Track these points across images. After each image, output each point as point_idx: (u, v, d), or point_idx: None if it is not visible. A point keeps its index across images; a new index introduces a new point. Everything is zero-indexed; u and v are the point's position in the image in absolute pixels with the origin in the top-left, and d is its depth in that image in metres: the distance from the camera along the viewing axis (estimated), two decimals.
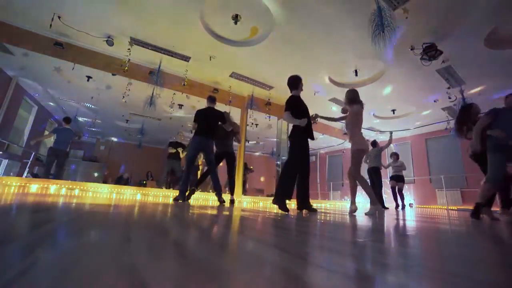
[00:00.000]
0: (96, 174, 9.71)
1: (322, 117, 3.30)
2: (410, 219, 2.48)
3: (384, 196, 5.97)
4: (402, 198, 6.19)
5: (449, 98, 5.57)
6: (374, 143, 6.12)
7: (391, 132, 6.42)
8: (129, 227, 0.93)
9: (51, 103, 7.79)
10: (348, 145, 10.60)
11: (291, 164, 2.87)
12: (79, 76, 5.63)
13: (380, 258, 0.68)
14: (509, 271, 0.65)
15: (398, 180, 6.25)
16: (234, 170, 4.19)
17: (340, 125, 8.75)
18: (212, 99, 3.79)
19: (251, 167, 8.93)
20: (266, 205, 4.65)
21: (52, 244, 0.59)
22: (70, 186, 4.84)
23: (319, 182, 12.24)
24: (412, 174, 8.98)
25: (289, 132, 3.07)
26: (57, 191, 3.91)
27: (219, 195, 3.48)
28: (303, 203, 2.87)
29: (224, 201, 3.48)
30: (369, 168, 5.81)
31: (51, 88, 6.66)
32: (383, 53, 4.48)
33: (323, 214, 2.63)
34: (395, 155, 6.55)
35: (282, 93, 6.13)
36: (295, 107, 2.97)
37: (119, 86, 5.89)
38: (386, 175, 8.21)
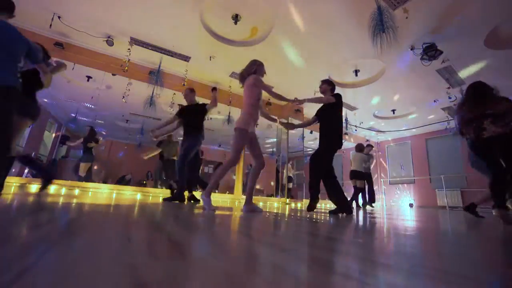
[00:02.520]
0: (95, 174, 9.68)
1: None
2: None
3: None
4: (370, 197, 5.51)
5: (449, 98, 5.58)
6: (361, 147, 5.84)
7: None
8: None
9: (51, 103, 7.78)
10: (348, 145, 10.63)
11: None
12: (79, 76, 5.63)
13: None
14: None
15: (357, 177, 5.50)
16: None
17: None
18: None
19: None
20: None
21: (52, 244, 0.59)
22: (71, 186, 4.83)
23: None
24: (412, 174, 8.99)
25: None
26: (57, 191, 3.90)
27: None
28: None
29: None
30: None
31: (51, 88, 6.63)
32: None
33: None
34: (369, 147, 6.04)
35: (282, 94, 6.10)
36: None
37: (119, 86, 5.88)
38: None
